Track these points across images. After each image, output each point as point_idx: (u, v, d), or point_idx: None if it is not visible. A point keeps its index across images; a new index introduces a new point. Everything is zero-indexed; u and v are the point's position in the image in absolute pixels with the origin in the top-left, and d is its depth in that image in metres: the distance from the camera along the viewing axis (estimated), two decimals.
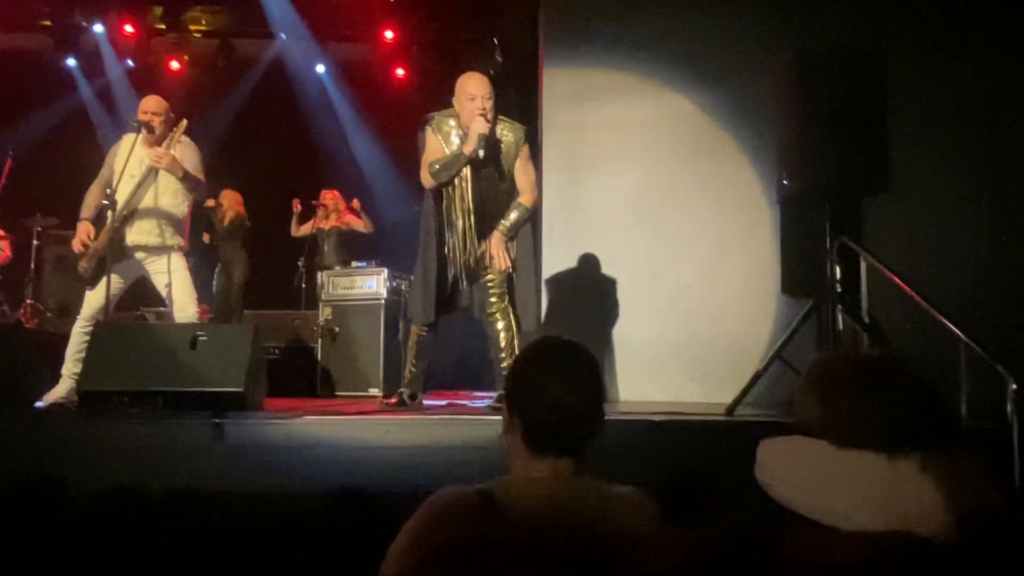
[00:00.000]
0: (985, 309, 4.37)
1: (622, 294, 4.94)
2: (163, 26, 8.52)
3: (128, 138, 4.29)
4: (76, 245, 4.07)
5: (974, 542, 0.99)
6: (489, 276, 3.82)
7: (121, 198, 4.05)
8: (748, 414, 3.67)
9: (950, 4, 4.80)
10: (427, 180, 3.80)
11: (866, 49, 3.98)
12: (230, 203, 7.00)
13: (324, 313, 5.59)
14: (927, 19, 4.73)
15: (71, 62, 8.64)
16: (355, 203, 7.11)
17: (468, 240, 3.81)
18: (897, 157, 3.80)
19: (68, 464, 3.00)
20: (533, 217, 4.15)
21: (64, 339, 4.06)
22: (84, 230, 4.05)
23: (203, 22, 8.56)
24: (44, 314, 6.81)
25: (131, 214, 4.12)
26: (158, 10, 8.38)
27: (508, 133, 3.85)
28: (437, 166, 3.73)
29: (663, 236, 5.00)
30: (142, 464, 3.03)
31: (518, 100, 3.96)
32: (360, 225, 7.03)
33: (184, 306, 4.19)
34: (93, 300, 4.04)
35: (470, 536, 1.14)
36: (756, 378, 3.74)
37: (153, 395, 3.52)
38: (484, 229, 3.82)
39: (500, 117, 3.85)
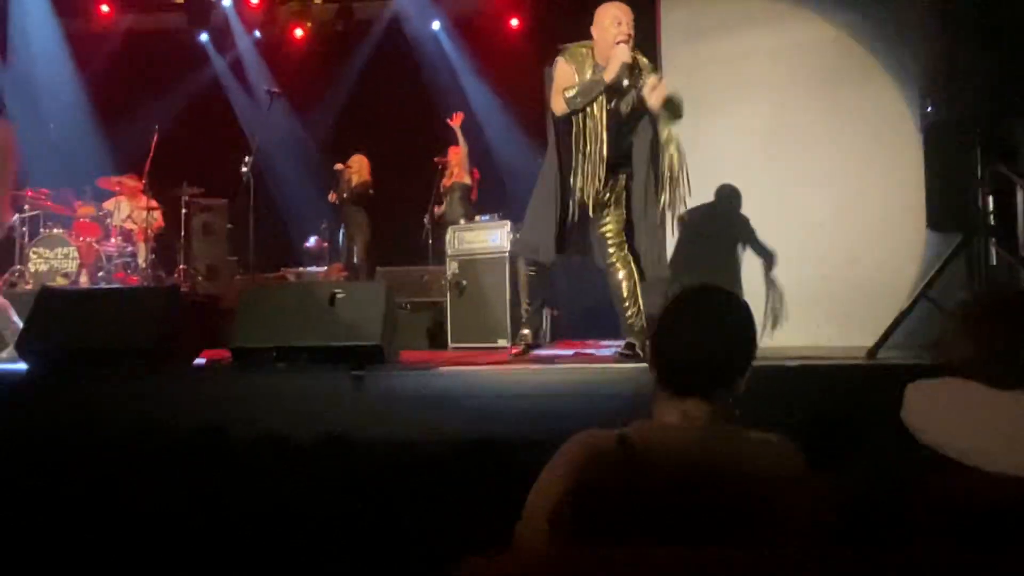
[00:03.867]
0: None
1: (750, 236, 4.76)
2: None
3: None
4: None
5: None
6: (607, 227, 3.78)
7: None
8: (892, 357, 3.48)
9: None
10: (560, 106, 3.73)
11: None
12: (359, 167, 7.15)
13: (451, 267, 5.65)
14: None
15: (204, 37, 9.00)
16: (475, 173, 7.16)
17: (599, 166, 3.73)
18: None
19: (226, 414, 3.10)
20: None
21: (214, 300, 4.28)
22: None
23: None
24: (195, 277, 7.25)
25: None
26: None
27: (647, 64, 3.80)
28: (573, 91, 3.67)
29: (794, 174, 4.77)
30: (289, 414, 3.13)
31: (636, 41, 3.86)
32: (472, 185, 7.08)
33: None
34: None
35: (605, 478, 1.15)
36: (900, 319, 3.56)
37: (297, 350, 3.66)
38: (615, 160, 3.77)
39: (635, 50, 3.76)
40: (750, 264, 4.75)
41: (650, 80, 3.71)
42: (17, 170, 5.00)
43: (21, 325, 4.65)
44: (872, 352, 3.50)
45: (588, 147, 3.75)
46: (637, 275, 3.77)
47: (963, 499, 1.01)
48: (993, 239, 3.57)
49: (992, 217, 3.57)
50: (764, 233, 4.75)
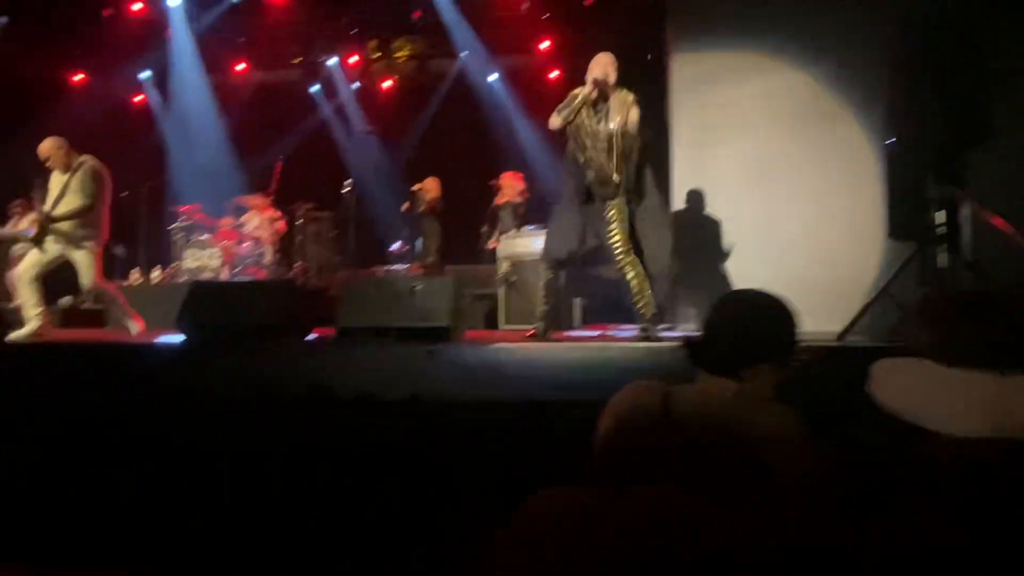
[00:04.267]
0: None
1: (741, 245, 4.67)
2: (378, 55, 8.77)
3: None
4: None
5: None
6: (614, 239, 3.63)
7: None
8: (857, 340, 3.38)
9: None
10: (553, 122, 3.79)
11: (965, 17, 3.53)
12: (432, 187, 7.14)
13: (503, 267, 5.67)
14: None
15: (315, 88, 9.10)
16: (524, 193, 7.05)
17: (599, 152, 3.66)
18: (996, 111, 3.35)
19: (331, 378, 3.14)
20: (663, 183, 4.03)
21: (323, 290, 4.29)
22: None
23: (405, 49, 8.75)
24: (309, 273, 7.32)
25: None
26: (373, 43, 8.64)
27: (624, 93, 3.74)
28: (559, 109, 3.75)
29: (778, 193, 4.65)
30: (378, 378, 3.14)
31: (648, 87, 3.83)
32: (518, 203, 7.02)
33: None
34: None
35: (644, 422, 1.17)
36: (865, 310, 3.45)
37: (386, 329, 3.66)
38: (612, 171, 3.67)
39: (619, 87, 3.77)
40: (742, 265, 4.64)
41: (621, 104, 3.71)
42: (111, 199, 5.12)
43: (130, 314, 4.85)
44: (841, 336, 3.40)
45: (587, 140, 3.69)
46: (643, 273, 3.66)
47: (932, 462, 0.99)
48: (943, 246, 3.45)
49: (942, 228, 3.45)
50: (753, 240, 4.66)
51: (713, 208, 4.76)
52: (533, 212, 6.93)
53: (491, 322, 5.65)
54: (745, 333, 1.31)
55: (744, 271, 4.58)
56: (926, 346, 1.18)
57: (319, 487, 2.69)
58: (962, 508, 0.80)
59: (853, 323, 3.44)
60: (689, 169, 4.92)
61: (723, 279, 4.69)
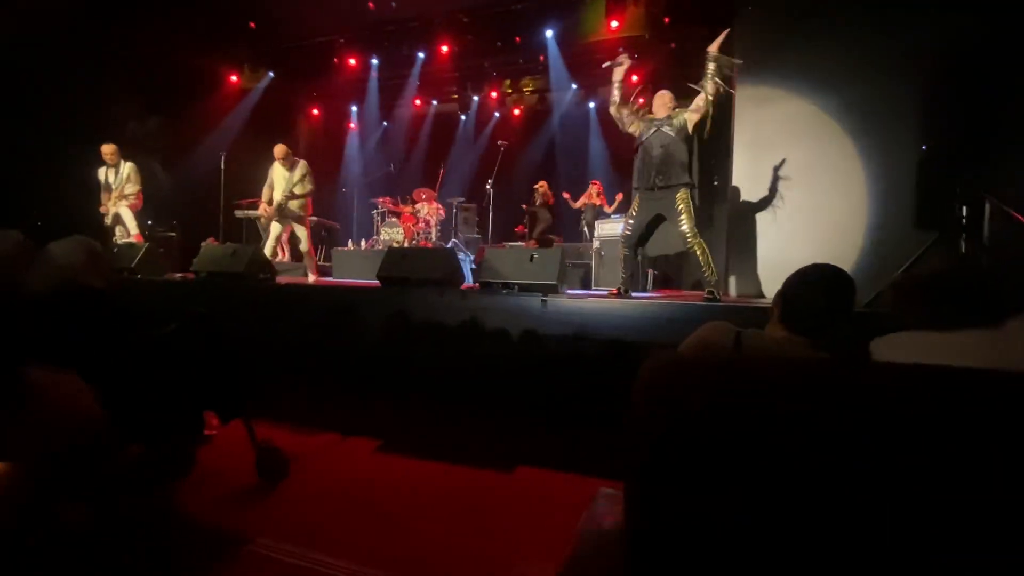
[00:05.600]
0: None
1: (786, 231, 4.32)
2: (510, 90, 8.85)
3: None
4: None
5: None
6: (683, 226, 3.41)
7: None
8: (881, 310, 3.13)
9: None
10: (616, 115, 3.67)
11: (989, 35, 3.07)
12: (544, 189, 7.16)
13: (596, 244, 5.65)
14: None
15: (463, 118, 9.30)
16: (602, 199, 6.87)
17: (651, 176, 3.49)
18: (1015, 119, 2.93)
19: (475, 316, 3.26)
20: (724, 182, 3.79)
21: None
22: None
23: (530, 85, 8.75)
24: (460, 244, 7.57)
25: None
26: (508, 81, 8.71)
27: (683, 111, 3.50)
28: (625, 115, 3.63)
29: (820, 190, 4.25)
30: (507, 319, 3.22)
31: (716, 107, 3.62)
32: (604, 205, 6.84)
33: None
34: None
35: (724, 347, 1.08)
36: (893, 284, 3.19)
37: (511, 284, 3.72)
38: (667, 173, 3.48)
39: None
40: (788, 246, 4.31)
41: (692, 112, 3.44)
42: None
43: (314, 270, 5.18)
44: (870, 305, 3.16)
45: (656, 155, 3.50)
46: (708, 250, 3.47)
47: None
48: (964, 235, 3.10)
49: (965, 220, 3.08)
50: (799, 226, 4.31)
51: (766, 200, 4.44)
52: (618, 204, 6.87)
53: (586, 284, 5.70)
54: (817, 297, 1.16)
55: (790, 252, 4.28)
56: (911, 317, 1.06)
57: (467, 389, 2.90)
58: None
59: (877, 297, 3.17)
60: (746, 171, 4.60)
61: (772, 258, 4.40)
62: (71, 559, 1.21)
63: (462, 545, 1.67)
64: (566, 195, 7.06)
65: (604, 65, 3.78)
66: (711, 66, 3.35)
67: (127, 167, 5.34)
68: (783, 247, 4.37)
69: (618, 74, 3.60)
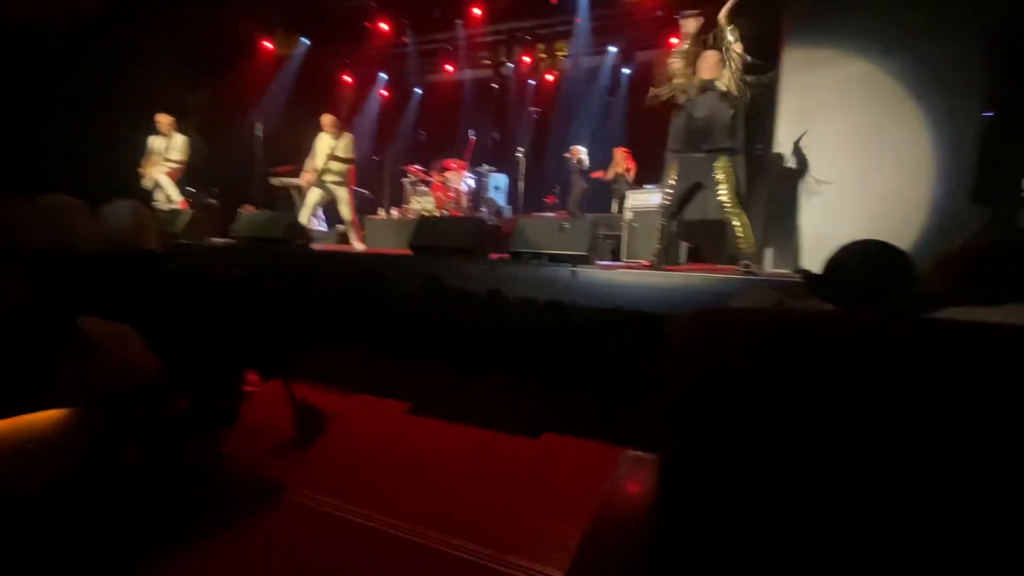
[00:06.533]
0: None
1: (833, 203, 4.11)
2: (544, 55, 8.60)
3: None
4: None
5: None
6: (722, 195, 3.31)
7: None
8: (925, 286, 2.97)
9: None
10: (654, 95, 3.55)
11: None
12: (579, 155, 7.00)
13: (627, 215, 5.56)
14: None
15: (494, 85, 9.07)
16: (629, 162, 6.66)
17: (705, 120, 3.33)
18: None
19: (504, 284, 3.28)
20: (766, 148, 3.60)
21: (499, 228, 4.39)
22: None
23: (563, 49, 8.46)
24: (490, 215, 7.47)
25: None
26: (541, 46, 8.45)
27: (725, 73, 3.34)
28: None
29: (869, 160, 4.01)
30: (536, 288, 3.24)
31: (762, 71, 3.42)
32: (629, 174, 6.61)
33: None
34: None
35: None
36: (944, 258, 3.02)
37: (541, 254, 3.75)
38: (707, 140, 3.35)
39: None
40: (833, 219, 4.11)
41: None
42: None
43: (359, 238, 5.23)
44: (917, 282, 3.01)
45: (696, 122, 3.37)
46: (748, 219, 3.35)
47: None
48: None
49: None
50: (845, 197, 4.09)
51: (811, 170, 4.23)
52: (654, 175, 6.67)
53: (616, 255, 5.63)
54: (865, 273, 1.13)
55: (835, 226, 4.11)
56: (958, 293, 0.97)
57: (496, 356, 2.95)
58: None
59: (920, 274, 3.03)
60: (791, 138, 4.37)
61: (815, 232, 4.21)
62: (132, 499, 1.33)
63: (488, 504, 1.73)
64: (597, 174, 6.89)
65: (676, 15, 3.62)
66: (727, 36, 3.19)
67: (180, 138, 5.50)
68: (828, 221, 4.18)
69: (689, 26, 3.43)
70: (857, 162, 4.10)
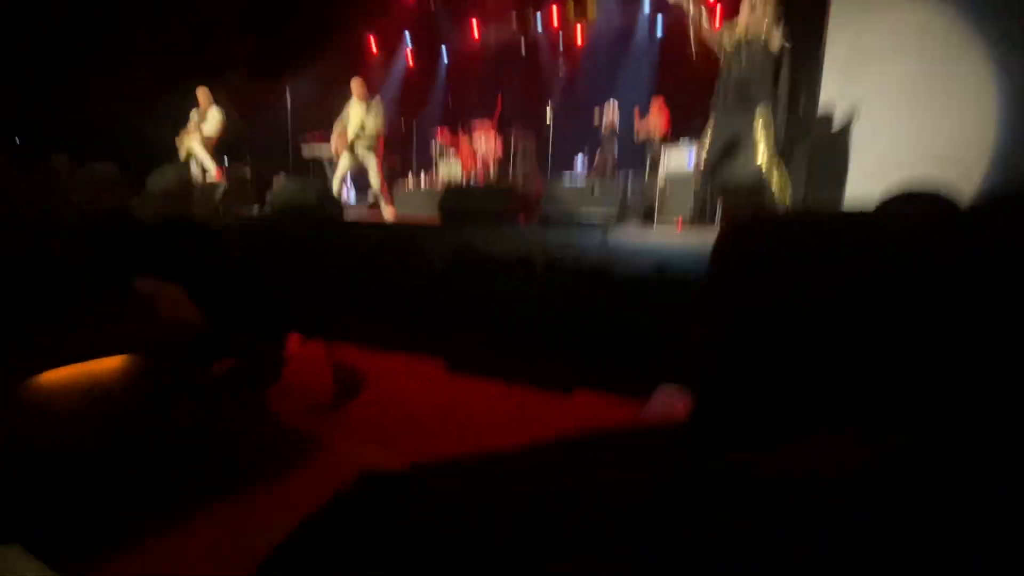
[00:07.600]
0: None
1: (882, 155, 3.87)
2: (575, 6, 8.29)
3: None
4: None
5: None
6: (760, 148, 3.19)
7: None
8: None
9: None
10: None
11: None
12: (610, 116, 6.80)
13: (661, 174, 5.30)
14: None
15: (523, 39, 8.84)
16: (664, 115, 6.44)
17: (744, 70, 3.22)
18: None
19: (535, 247, 3.21)
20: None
21: (527, 194, 4.37)
22: None
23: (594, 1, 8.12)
24: (518, 179, 7.45)
25: None
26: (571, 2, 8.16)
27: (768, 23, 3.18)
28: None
29: (922, 113, 3.74)
30: (566, 252, 3.15)
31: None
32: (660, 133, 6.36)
33: None
34: None
35: None
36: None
37: (572, 217, 3.81)
38: (743, 98, 3.24)
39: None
40: (880, 174, 3.89)
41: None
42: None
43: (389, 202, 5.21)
44: None
45: (735, 73, 3.25)
46: (787, 175, 3.24)
47: None
48: None
49: None
50: (892, 154, 3.86)
51: (860, 124, 3.98)
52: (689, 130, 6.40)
53: (648, 216, 5.50)
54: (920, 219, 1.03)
55: (886, 184, 3.91)
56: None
57: (528, 319, 2.97)
58: None
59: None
60: (837, 85, 4.11)
61: (863, 192, 3.99)
62: (183, 444, 1.43)
63: None
64: (638, 137, 6.64)
65: None
66: None
67: (217, 111, 5.59)
68: (878, 178, 3.95)
69: None
70: (913, 115, 3.83)
